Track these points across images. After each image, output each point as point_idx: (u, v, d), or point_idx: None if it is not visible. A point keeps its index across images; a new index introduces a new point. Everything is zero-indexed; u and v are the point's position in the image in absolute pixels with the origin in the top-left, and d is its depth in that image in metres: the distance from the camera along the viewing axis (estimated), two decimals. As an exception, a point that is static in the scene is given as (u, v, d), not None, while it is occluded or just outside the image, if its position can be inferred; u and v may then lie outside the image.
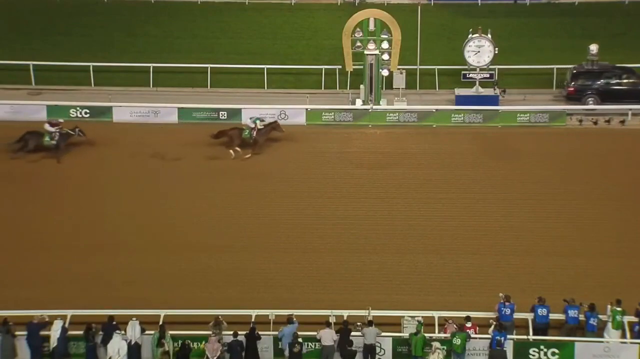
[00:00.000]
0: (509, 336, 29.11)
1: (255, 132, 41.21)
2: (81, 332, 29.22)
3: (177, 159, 40.50)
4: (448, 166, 40.06)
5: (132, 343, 28.81)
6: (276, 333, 29.27)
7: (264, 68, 48.16)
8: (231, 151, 40.78)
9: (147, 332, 29.19)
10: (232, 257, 33.99)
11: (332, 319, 29.45)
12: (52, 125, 40.85)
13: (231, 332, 28.99)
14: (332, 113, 44.16)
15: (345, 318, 29.45)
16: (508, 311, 29.57)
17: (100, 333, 29.12)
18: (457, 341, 28.69)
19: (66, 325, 29.13)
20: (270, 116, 42.87)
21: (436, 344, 28.50)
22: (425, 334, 29.22)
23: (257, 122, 41.42)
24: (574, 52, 50.96)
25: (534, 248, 34.40)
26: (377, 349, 29.24)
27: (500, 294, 29.80)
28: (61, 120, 41.67)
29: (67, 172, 39.68)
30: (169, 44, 53.20)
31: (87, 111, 44.13)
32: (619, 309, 29.21)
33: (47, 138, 40.63)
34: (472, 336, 29.05)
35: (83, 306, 30.19)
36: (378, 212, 36.77)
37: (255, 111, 43.81)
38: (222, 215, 36.52)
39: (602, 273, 32.77)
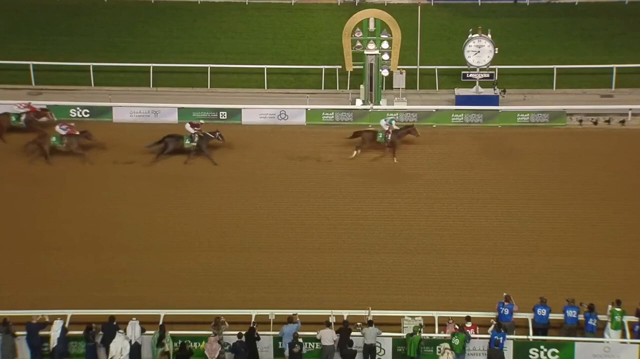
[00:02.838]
0: (509, 336, 29.11)
1: (389, 135, 40.84)
2: (81, 332, 29.23)
3: (175, 163, 40.45)
4: (448, 166, 40.04)
5: (132, 343, 28.82)
6: (276, 332, 29.30)
7: (264, 68, 48.16)
8: (355, 152, 40.62)
9: (147, 332, 29.21)
10: (232, 257, 34.01)
11: (332, 319, 29.47)
12: (192, 126, 40.78)
13: (232, 332, 28.99)
14: (332, 113, 44.16)
15: (345, 318, 29.47)
16: (507, 311, 29.60)
17: (100, 333, 29.13)
18: (455, 341, 28.72)
19: (66, 325, 29.14)
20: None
21: (445, 345, 28.50)
22: (425, 335, 29.25)
23: (393, 122, 41.10)
24: (574, 52, 51.15)
25: (534, 248, 34.43)
26: (377, 349, 29.26)
27: (505, 294, 29.83)
28: (202, 121, 41.73)
29: (67, 173, 39.63)
30: (169, 44, 53.20)
31: (87, 111, 44.10)
32: (618, 309, 29.23)
33: (187, 141, 40.50)
34: (472, 336, 29.04)
35: (83, 306, 30.21)
36: (378, 212, 36.78)
37: (257, 111, 43.82)
38: (222, 215, 36.52)
39: (602, 273, 32.81)
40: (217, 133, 40.91)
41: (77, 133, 40.62)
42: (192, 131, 40.63)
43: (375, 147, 40.82)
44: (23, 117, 42.23)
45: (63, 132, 40.50)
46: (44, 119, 42.62)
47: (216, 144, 40.98)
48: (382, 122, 41.21)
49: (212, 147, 40.79)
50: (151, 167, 39.89)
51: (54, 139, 40.46)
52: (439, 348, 28.77)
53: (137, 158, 40.56)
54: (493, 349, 28.79)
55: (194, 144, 40.54)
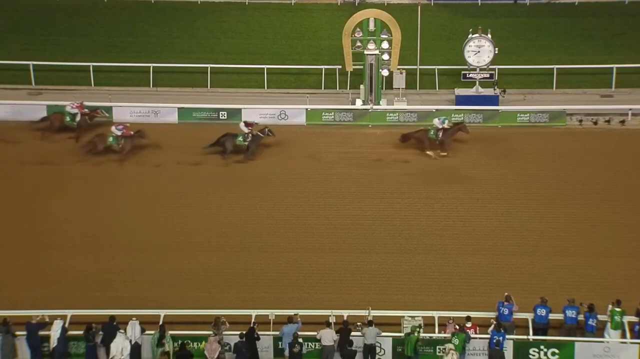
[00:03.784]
0: (509, 336, 29.09)
1: (441, 133, 40.89)
2: (81, 332, 29.20)
3: (176, 163, 40.45)
4: (448, 166, 40.04)
5: (132, 343, 28.80)
6: (276, 332, 29.29)
7: (264, 68, 48.17)
8: (429, 152, 40.74)
9: (147, 332, 29.18)
10: (232, 257, 33.99)
11: (332, 319, 29.44)
12: (247, 125, 40.76)
13: (232, 332, 28.98)
14: (332, 113, 44.17)
15: (345, 318, 29.44)
16: (506, 311, 29.58)
17: (100, 333, 29.11)
18: (455, 341, 28.67)
19: (66, 325, 29.11)
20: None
21: (450, 345, 28.48)
22: (425, 335, 29.25)
23: (446, 122, 41.10)
24: (574, 52, 51.16)
25: (534, 248, 34.41)
26: (377, 349, 29.24)
27: (505, 294, 29.83)
28: (256, 121, 41.77)
29: (65, 172, 39.62)
30: (169, 44, 53.21)
31: (87, 111, 44.05)
32: (618, 309, 29.20)
33: (240, 139, 40.54)
34: (472, 336, 29.03)
35: (83, 306, 30.19)
36: (378, 212, 36.78)
37: (257, 111, 43.84)
38: (222, 215, 36.51)
39: (602, 273, 32.79)
40: (267, 130, 40.94)
41: (132, 133, 40.60)
42: (246, 130, 40.59)
43: (430, 145, 40.86)
44: (78, 118, 42.22)
45: (119, 133, 40.52)
46: (97, 118, 42.65)
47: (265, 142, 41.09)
48: (436, 121, 41.20)
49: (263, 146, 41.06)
50: (151, 168, 39.90)
51: (110, 139, 40.49)
52: (444, 348, 28.68)
53: (138, 159, 40.58)
54: (494, 349, 28.78)
55: (246, 143, 40.54)
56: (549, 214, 36.38)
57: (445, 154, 40.75)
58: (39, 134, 42.29)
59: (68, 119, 42.41)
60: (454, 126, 41.60)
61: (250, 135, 40.63)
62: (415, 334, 28.86)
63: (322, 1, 60.56)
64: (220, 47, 53.02)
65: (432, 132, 40.96)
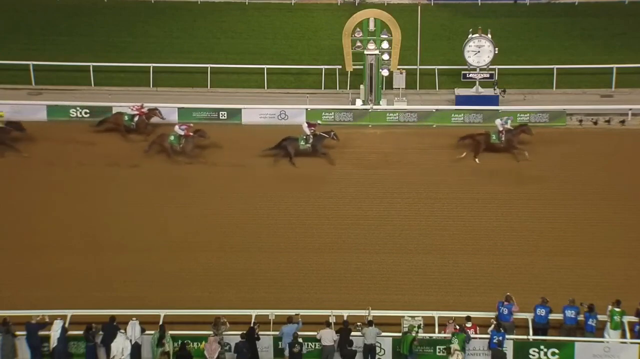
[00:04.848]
0: (508, 336, 29.09)
1: (504, 135, 40.46)
2: (81, 332, 29.21)
3: (176, 163, 40.42)
4: (448, 166, 40.04)
5: (132, 343, 28.81)
6: (276, 332, 29.29)
7: (264, 68, 48.16)
8: (465, 153, 40.40)
9: (147, 332, 29.19)
10: (232, 257, 34.00)
11: (332, 319, 29.45)
12: (309, 126, 40.63)
13: (232, 333, 28.98)
14: (332, 113, 44.16)
15: (345, 318, 29.45)
16: (506, 311, 29.58)
17: (100, 333, 29.12)
18: (455, 341, 28.66)
19: (66, 325, 29.12)
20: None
21: (455, 346, 28.48)
22: (425, 334, 29.26)
23: (509, 122, 40.68)
24: (574, 52, 51.15)
25: (534, 248, 34.42)
26: (377, 349, 29.25)
27: (506, 294, 29.82)
28: (319, 122, 41.75)
29: (65, 172, 39.62)
30: (169, 44, 53.21)
31: (87, 111, 44.11)
32: (617, 309, 29.21)
33: (302, 142, 40.36)
34: (472, 336, 29.03)
35: (83, 306, 30.19)
36: (378, 212, 36.78)
37: (257, 111, 43.82)
38: (222, 215, 36.51)
39: (602, 273, 32.80)
40: (332, 133, 40.76)
41: (192, 134, 40.56)
42: (308, 131, 40.47)
43: (490, 149, 40.45)
44: (136, 119, 42.34)
45: (181, 133, 40.46)
46: (153, 119, 42.73)
47: (329, 144, 40.83)
48: (497, 122, 40.90)
49: (326, 147, 40.75)
50: (151, 168, 39.87)
51: (172, 138, 40.42)
52: (448, 348, 28.64)
53: (138, 160, 40.59)
54: (496, 349, 28.79)
55: (309, 145, 40.40)
56: (549, 214, 36.38)
57: (463, 155, 40.31)
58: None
59: (127, 119, 42.41)
60: (517, 128, 41.07)
61: (312, 137, 40.38)
62: (413, 333, 28.87)
63: (322, 1, 60.56)
64: (220, 47, 53.01)
65: (494, 137, 40.45)
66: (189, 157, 40.33)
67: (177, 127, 40.83)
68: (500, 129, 40.59)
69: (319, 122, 41.79)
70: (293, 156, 40.23)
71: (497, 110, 44.11)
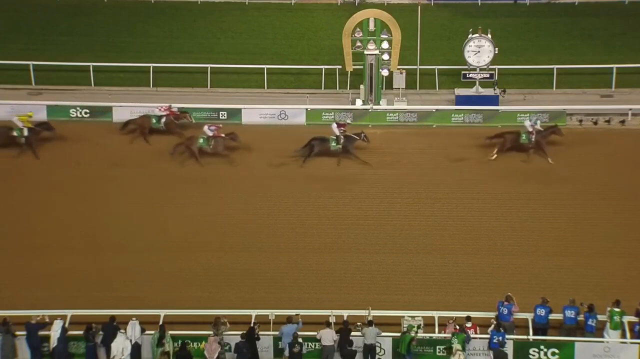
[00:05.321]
0: (508, 336, 29.08)
1: (534, 136, 40.33)
2: (81, 332, 29.21)
3: (176, 163, 40.43)
4: (448, 166, 40.05)
5: (132, 342, 28.81)
6: (276, 332, 29.29)
7: (264, 68, 48.17)
8: (495, 153, 40.31)
9: (147, 332, 29.19)
10: (232, 257, 34.00)
11: (332, 319, 29.46)
12: (339, 126, 40.51)
13: (232, 333, 28.98)
14: (332, 113, 44.14)
15: (345, 318, 29.45)
16: (505, 311, 29.59)
17: (100, 333, 29.12)
18: (455, 341, 28.66)
19: (66, 325, 29.12)
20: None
21: (457, 346, 28.47)
22: (425, 334, 29.26)
23: (538, 123, 40.57)
24: (574, 52, 51.16)
25: (534, 248, 34.41)
26: (377, 349, 29.25)
27: (507, 294, 29.82)
28: (348, 121, 41.59)
29: (65, 172, 39.63)
30: (169, 44, 53.22)
31: (87, 111, 44.12)
32: (617, 310, 29.21)
33: (332, 143, 40.20)
34: (472, 336, 29.03)
35: (83, 306, 30.19)
36: (378, 212, 36.78)
37: (257, 111, 43.80)
38: (222, 215, 36.51)
39: (602, 273, 32.80)
40: (363, 134, 40.63)
41: (223, 135, 40.47)
42: (337, 132, 40.35)
43: (518, 148, 40.35)
44: (163, 120, 42.23)
45: (210, 133, 40.34)
46: (182, 121, 42.63)
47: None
48: (527, 123, 40.81)
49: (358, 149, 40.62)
50: (151, 168, 39.88)
51: (201, 140, 40.30)
52: (449, 348, 28.63)
53: (139, 160, 40.61)
54: (498, 349, 28.79)
55: (340, 146, 40.27)
56: (549, 214, 36.38)
57: (494, 157, 40.11)
58: (128, 137, 42.22)
59: (154, 121, 42.34)
60: (548, 129, 40.91)
61: (342, 137, 40.23)
62: (412, 333, 28.87)
63: (322, 1, 60.57)
64: (220, 47, 53.02)
65: (524, 137, 40.37)
66: (220, 157, 40.24)
67: (205, 127, 40.66)
68: (530, 129, 40.48)
69: (348, 122, 41.66)
70: (315, 153, 40.12)
71: (497, 110, 44.15)
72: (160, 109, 42.47)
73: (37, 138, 41.15)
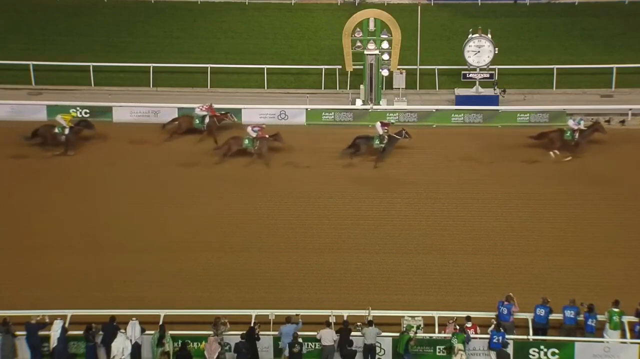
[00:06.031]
0: (508, 336, 29.07)
1: (577, 134, 40.47)
2: (81, 332, 29.20)
3: (175, 164, 40.42)
4: (448, 166, 40.06)
5: (132, 342, 28.80)
6: (276, 333, 29.29)
7: (264, 68, 48.17)
8: (551, 152, 40.35)
9: (147, 332, 29.18)
10: (232, 257, 33.99)
11: (332, 319, 29.45)
12: (383, 125, 40.46)
13: (232, 333, 28.98)
14: (332, 113, 44.17)
15: (345, 318, 29.45)
16: (505, 311, 29.58)
17: (100, 333, 29.11)
18: (454, 341, 28.67)
19: (66, 325, 29.11)
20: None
21: (459, 346, 28.46)
22: (423, 335, 29.26)
23: (581, 123, 40.63)
24: (574, 52, 51.16)
25: (534, 248, 34.40)
26: (377, 349, 29.25)
27: (508, 294, 29.82)
28: (392, 121, 41.53)
29: (68, 170, 39.65)
30: (169, 44, 53.22)
31: (87, 111, 44.09)
32: (616, 310, 29.20)
33: (376, 141, 40.25)
34: (472, 336, 29.02)
35: (83, 306, 30.18)
36: (378, 212, 36.78)
37: (257, 111, 43.76)
38: (222, 215, 36.51)
39: (602, 273, 32.79)
40: (404, 132, 40.64)
41: (267, 136, 40.47)
42: (381, 131, 40.35)
43: (565, 146, 40.49)
44: (206, 120, 42.22)
45: (254, 134, 40.31)
46: (224, 121, 42.66)
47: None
48: (571, 123, 40.79)
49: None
50: (152, 168, 39.88)
51: (246, 141, 40.30)
52: (454, 348, 28.60)
53: (139, 160, 40.62)
54: (500, 349, 28.78)
55: (382, 145, 40.31)
56: (549, 214, 36.38)
57: (569, 158, 40.17)
58: (167, 136, 42.29)
59: (197, 121, 42.35)
60: (590, 127, 41.01)
61: (386, 137, 40.31)
62: (410, 333, 28.87)
63: (322, 1, 60.58)
64: (220, 47, 53.03)
65: (568, 134, 40.48)
66: (262, 158, 40.26)
67: (249, 129, 40.64)
68: (574, 128, 40.56)
69: (392, 121, 41.56)
70: (361, 152, 40.14)
71: (497, 110, 44.16)
72: (201, 109, 42.42)
73: (78, 136, 41.38)
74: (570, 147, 40.62)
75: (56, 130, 41.09)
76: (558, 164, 39.96)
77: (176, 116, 43.62)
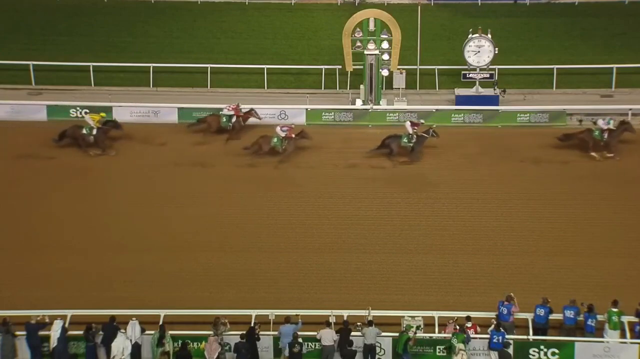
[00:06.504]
0: (508, 336, 29.06)
1: (607, 134, 40.34)
2: (81, 332, 29.19)
3: (175, 164, 40.42)
4: (448, 166, 40.06)
5: (132, 342, 28.80)
6: (276, 333, 29.29)
7: (264, 68, 48.17)
8: (594, 154, 40.24)
9: (147, 332, 29.18)
10: (232, 257, 33.98)
11: (332, 319, 29.44)
12: (412, 125, 40.47)
13: (232, 333, 28.97)
14: (332, 113, 44.18)
15: (345, 318, 29.44)
16: (505, 311, 29.58)
17: (100, 333, 29.11)
18: (454, 341, 28.67)
19: (66, 325, 29.10)
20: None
21: (460, 346, 28.46)
22: (423, 335, 29.26)
23: (611, 123, 40.50)
24: (574, 52, 51.16)
25: (534, 248, 34.39)
26: (377, 349, 29.24)
27: (508, 294, 29.82)
28: (422, 121, 41.59)
29: (66, 172, 39.64)
30: (169, 44, 53.23)
31: (87, 111, 44.06)
32: (615, 310, 29.19)
33: (405, 140, 40.27)
34: (472, 336, 29.02)
35: (83, 306, 30.17)
36: (378, 212, 36.77)
37: (258, 111, 43.74)
38: (222, 215, 36.50)
39: (602, 273, 32.77)
40: (431, 131, 40.63)
41: (293, 136, 40.52)
42: (410, 130, 40.33)
43: (596, 146, 40.37)
44: (233, 120, 42.31)
45: (283, 134, 40.39)
46: (249, 120, 42.70)
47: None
48: (600, 122, 40.69)
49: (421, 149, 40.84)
50: (151, 168, 39.88)
51: (275, 140, 40.37)
52: (455, 348, 28.59)
53: (136, 160, 40.60)
54: (502, 350, 28.77)
55: (410, 144, 40.30)
56: (549, 214, 36.38)
57: (611, 155, 40.23)
58: (198, 136, 42.44)
59: (224, 120, 42.38)
60: (620, 126, 40.93)
61: (415, 136, 40.30)
62: (410, 333, 28.86)
63: (322, 1, 60.59)
64: (220, 47, 53.04)
65: (597, 133, 40.40)
66: (288, 158, 40.32)
67: (278, 129, 40.67)
68: (604, 128, 40.48)
69: (422, 121, 41.67)
70: (396, 153, 40.19)
71: (497, 110, 44.16)
72: (228, 109, 42.46)
73: (106, 136, 41.41)
74: (600, 147, 40.44)
75: (84, 131, 41.10)
76: (558, 164, 39.93)
77: (176, 115, 43.62)
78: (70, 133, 41.30)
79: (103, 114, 42.25)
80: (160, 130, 42.68)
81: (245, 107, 42.89)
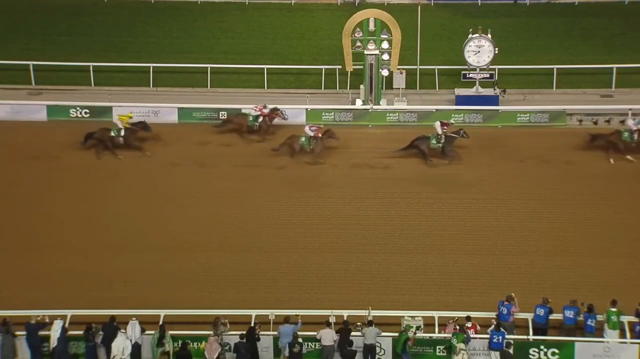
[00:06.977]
0: (508, 336, 29.07)
1: (637, 135, 39.99)
2: (81, 332, 29.20)
3: (175, 164, 40.44)
4: (448, 166, 40.05)
5: (132, 342, 28.80)
6: (276, 333, 29.29)
7: (264, 68, 48.17)
8: (628, 157, 39.97)
9: (147, 332, 29.18)
10: (232, 257, 33.99)
11: (332, 319, 29.45)
12: (442, 125, 40.36)
13: (232, 333, 28.98)
14: (332, 113, 44.17)
15: (345, 318, 29.44)
16: (505, 311, 29.58)
17: (100, 333, 29.11)
18: (454, 341, 28.67)
19: (66, 325, 29.11)
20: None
21: (460, 345, 28.47)
22: (423, 335, 29.26)
23: None
24: (574, 52, 51.16)
25: (534, 248, 34.40)
26: (377, 349, 29.25)
27: (509, 294, 29.82)
28: (452, 121, 41.57)
29: (65, 171, 39.64)
30: (169, 44, 53.23)
31: (87, 111, 44.13)
32: (613, 310, 29.19)
33: (434, 141, 40.16)
34: (472, 336, 29.02)
35: (83, 306, 30.18)
36: (378, 212, 36.77)
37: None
38: (222, 215, 36.51)
39: (602, 273, 32.77)
40: (462, 131, 40.53)
41: (320, 135, 40.47)
42: (440, 130, 40.27)
43: (628, 147, 40.06)
44: (260, 120, 42.31)
45: (311, 134, 40.37)
46: (276, 120, 42.68)
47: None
48: (630, 122, 40.50)
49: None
50: (152, 168, 39.87)
51: (303, 139, 40.36)
52: (456, 348, 28.59)
53: (139, 159, 40.62)
54: (503, 349, 28.78)
55: (440, 145, 40.22)
56: (549, 214, 36.38)
57: (628, 157, 39.90)
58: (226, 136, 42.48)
59: (251, 118, 42.39)
60: None
61: (444, 136, 40.21)
62: (409, 333, 28.87)
63: (322, 1, 60.59)
64: (220, 47, 53.03)
65: (626, 135, 40.10)
66: (315, 158, 40.27)
67: (306, 128, 40.68)
68: (634, 128, 40.23)
69: (452, 122, 41.57)
70: (428, 154, 40.12)
71: (497, 110, 44.16)
72: (255, 109, 42.48)
73: (135, 137, 41.30)
74: (631, 149, 40.10)
75: (112, 133, 41.04)
76: (558, 164, 39.93)
77: (176, 115, 43.62)
78: (98, 136, 41.08)
79: (131, 114, 42.18)
80: (160, 130, 42.59)
81: (269, 107, 42.77)
